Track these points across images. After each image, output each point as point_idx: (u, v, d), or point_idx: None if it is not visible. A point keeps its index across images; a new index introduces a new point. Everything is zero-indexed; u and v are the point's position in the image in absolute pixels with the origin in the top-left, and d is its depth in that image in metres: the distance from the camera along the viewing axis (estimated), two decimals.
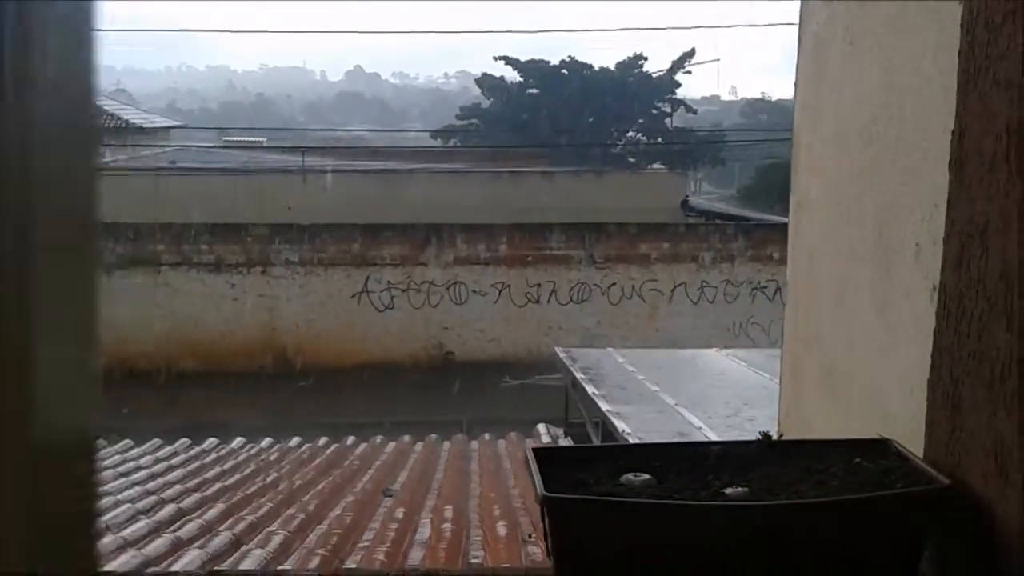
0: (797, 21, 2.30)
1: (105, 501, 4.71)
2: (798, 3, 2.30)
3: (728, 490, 1.27)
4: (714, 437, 4.70)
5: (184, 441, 7.09)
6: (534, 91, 35.98)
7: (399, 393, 15.05)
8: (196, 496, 4.99)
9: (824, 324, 2.15)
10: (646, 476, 1.30)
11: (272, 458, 6.47)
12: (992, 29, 1.25)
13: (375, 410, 14.00)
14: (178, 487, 5.26)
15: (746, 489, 1.27)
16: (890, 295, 1.78)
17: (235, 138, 29.41)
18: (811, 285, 2.24)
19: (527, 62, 35.62)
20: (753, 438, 1.43)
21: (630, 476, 1.30)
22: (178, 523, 4.59)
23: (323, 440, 7.22)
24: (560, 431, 7.19)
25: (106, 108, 29.61)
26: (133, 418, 12.21)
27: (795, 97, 2.35)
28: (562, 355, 8.12)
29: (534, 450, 1.35)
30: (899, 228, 1.73)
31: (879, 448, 1.39)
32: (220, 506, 4.74)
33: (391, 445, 7.04)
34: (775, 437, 1.43)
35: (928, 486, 1.22)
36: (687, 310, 17.19)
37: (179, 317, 16.13)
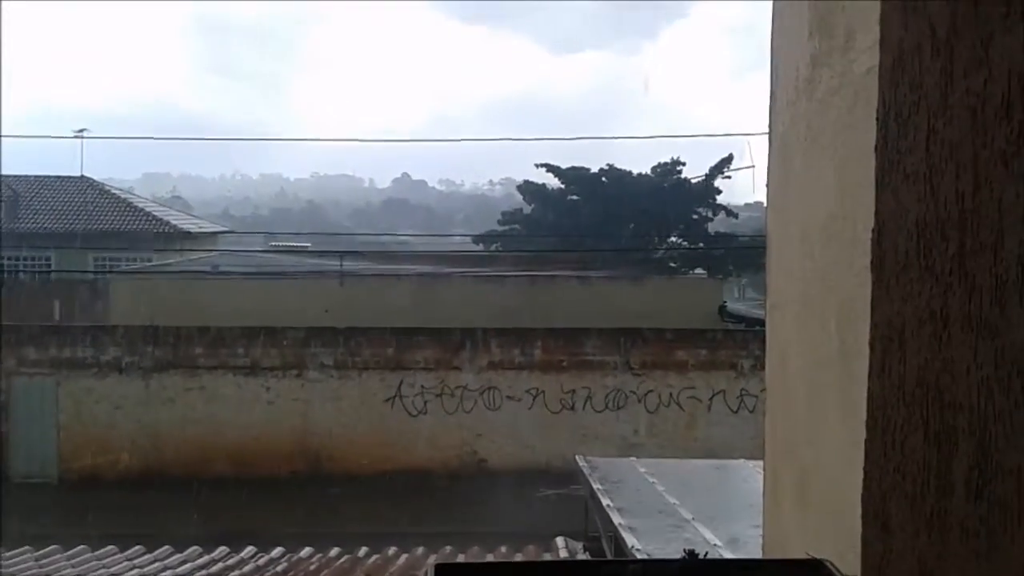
0: (767, 124, 2.28)
1: None
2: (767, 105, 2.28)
3: None
4: (727, 555, 4.47)
5: (195, 549, 6.97)
6: (574, 197, 36.53)
7: (430, 502, 14.78)
8: None
9: (798, 432, 2.04)
10: None
11: (280, 569, 6.30)
12: (901, 122, 1.20)
13: (404, 519, 13.74)
14: None
15: None
16: (853, 401, 1.68)
17: (281, 243, 30.15)
18: (785, 390, 2.14)
19: (568, 169, 36.31)
20: (715, 557, 1.32)
21: None
22: None
23: (335, 551, 7.05)
24: (580, 545, 6.92)
25: (157, 214, 30.72)
26: (163, 523, 12.13)
27: (766, 198, 2.30)
28: (582, 464, 7.93)
29: (436, 567, 1.27)
30: (858, 330, 1.65)
31: (812, 570, 1.27)
32: None
33: (403, 558, 6.83)
34: (703, 555, 1.32)
35: None
36: (727, 419, 16.79)
37: (214, 420, 16.19)
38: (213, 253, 26.83)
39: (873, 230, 1.27)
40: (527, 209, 38.19)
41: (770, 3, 2.21)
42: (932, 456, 1.07)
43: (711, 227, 38.17)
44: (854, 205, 1.71)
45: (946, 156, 1.06)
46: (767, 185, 2.27)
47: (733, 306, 23.69)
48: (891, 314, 1.19)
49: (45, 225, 29.34)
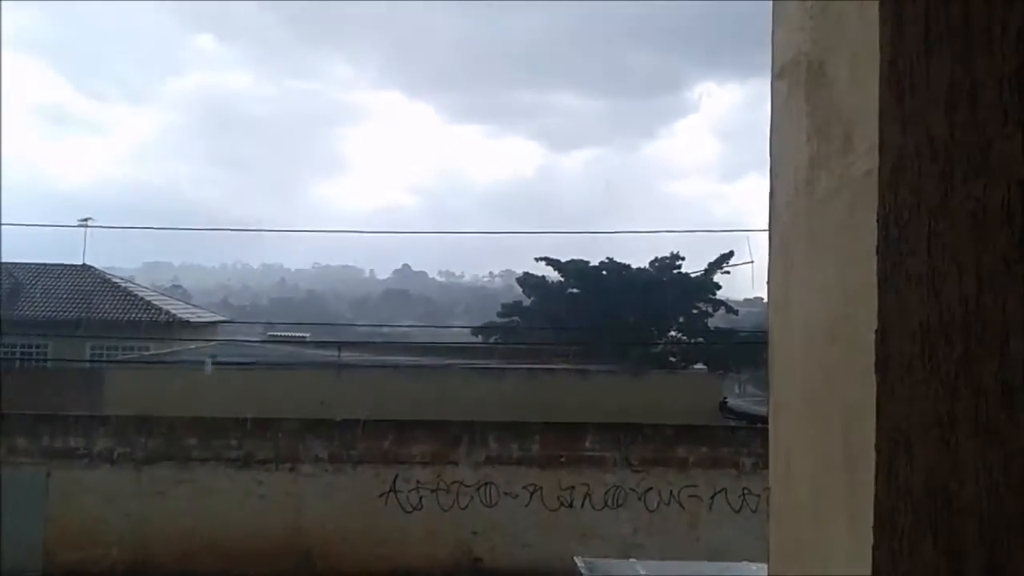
0: (768, 223, 2.30)
1: None
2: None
3: None
4: None
5: None
6: (574, 290, 36.75)
7: None
8: None
9: (803, 535, 2.00)
10: None
11: None
12: (902, 225, 1.21)
13: None
14: None
15: None
16: (860, 505, 1.66)
17: (279, 333, 30.16)
18: (790, 492, 2.11)
19: (567, 262, 36.64)
20: None
21: None
22: None
23: None
24: None
25: (156, 303, 30.82)
26: None
27: (768, 297, 2.31)
28: (580, 566, 7.74)
29: None
30: (863, 432, 1.64)
31: None
32: None
33: None
34: None
35: None
36: (729, 519, 16.42)
37: (204, 515, 15.85)
38: (211, 343, 26.78)
39: (877, 331, 1.27)
40: (527, 301, 38.39)
41: (768, 106, 2.27)
42: (942, 564, 1.04)
43: (711, 322, 38.26)
44: (856, 306, 1.71)
45: (948, 259, 1.07)
46: (768, 283, 2.28)
47: (734, 402, 23.52)
48: (897, 417, 1.18)
49: (45, 313, 29.39)
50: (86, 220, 29.95)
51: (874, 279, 1.63)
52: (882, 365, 1.24)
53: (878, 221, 1.28)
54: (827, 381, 1.86)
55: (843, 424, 1.75)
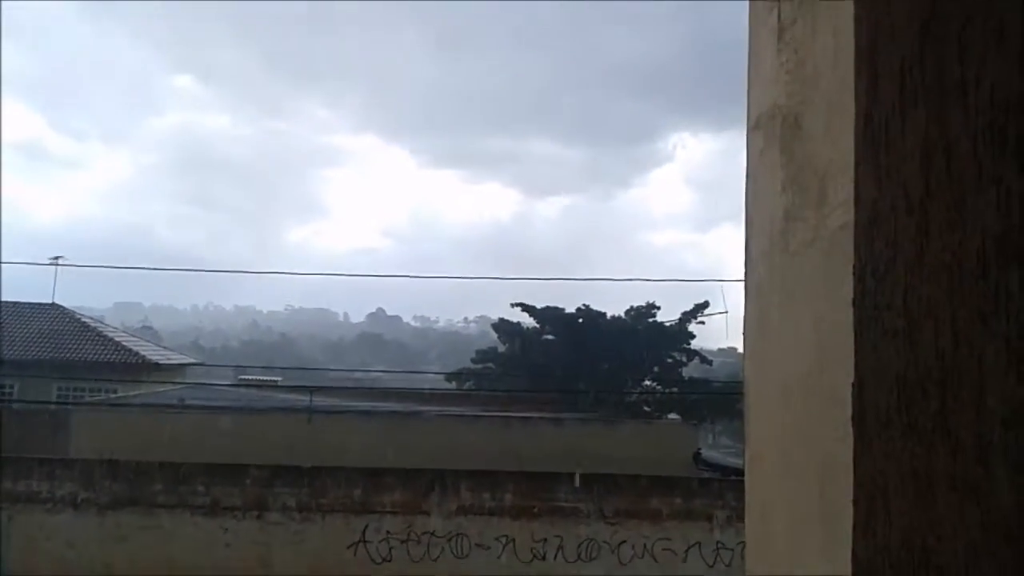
0: (743, 274, 2.31)
1: None
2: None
3: None
4: None
5: None
6: (549, 337, 36.75)
7: None
8: None
9: None
10: None
11: None
12: (878, 278, 1.21)
13: None
14: None
15: None
16: (837, 562, 1.64)
17: (251, 376, 29.82)
18: (767, 547, 2.08)
19: (543, 309, 36.67)
20: None
21: None
22: None
23: None
24: None
25: (126, 344, 30.41)
26: None
27: (744, 348, 2.31)
28: None
29: None
30: (840, 487, 1.62)
31: None
32: None
33: None
34: None
35: None
36: (703, 574, 16.26)
37: (168, 563, 15.48)
38: (180, 386, 26.41)
39: (853, 384, 1.26)
40: (502, 348, 38.30)
41: (742, 157, 2.29)
42: None
43: (685, 372, 38.35)
44: (832, 359, 1.70)
45: (924, 313, 1.06)
46: (744, 335, 2.28)
47: (707, 454, 23.44)
48: (874, 472, 1.16)
49: (12, 352, 28.89)
50: (57, 258, 29.63)
51: (850, 332, 1.63)
52: (859, 418, 1.23)
53: (854, 274, 1.28)
54: (803, 434, 1.85)
55: (820, 478, 1.73)
